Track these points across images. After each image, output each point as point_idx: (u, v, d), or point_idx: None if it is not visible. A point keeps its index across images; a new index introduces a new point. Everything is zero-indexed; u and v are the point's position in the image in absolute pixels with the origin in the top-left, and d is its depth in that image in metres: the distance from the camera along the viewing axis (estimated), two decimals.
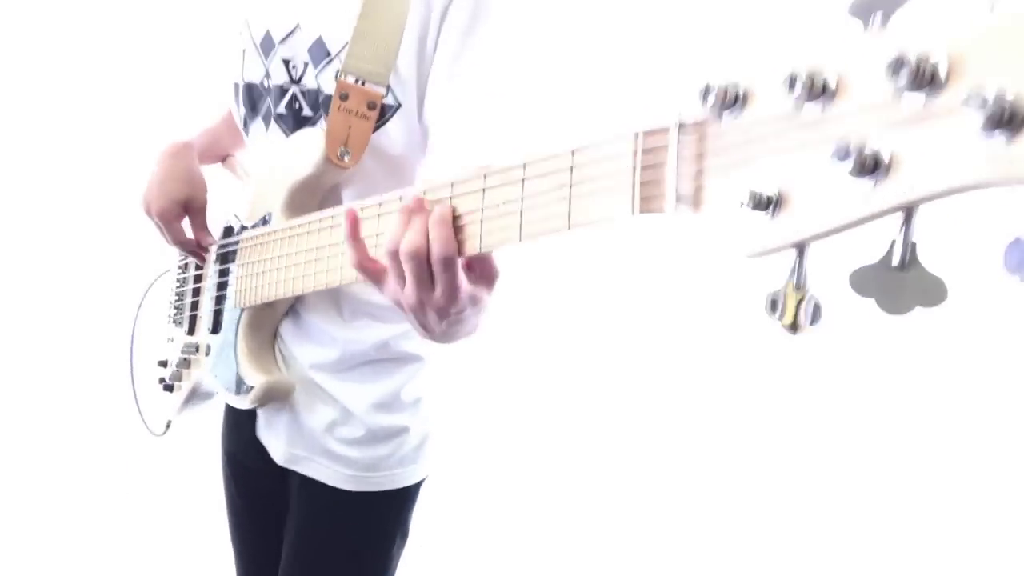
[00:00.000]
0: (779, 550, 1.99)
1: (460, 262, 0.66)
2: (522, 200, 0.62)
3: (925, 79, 0.39)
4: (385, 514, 1.02)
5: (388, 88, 0.91)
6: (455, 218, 0.66)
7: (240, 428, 1.09)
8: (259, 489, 1.12)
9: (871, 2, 0.43)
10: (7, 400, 2.29)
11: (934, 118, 0.39)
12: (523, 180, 0.62)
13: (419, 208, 0.66)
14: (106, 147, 2.16)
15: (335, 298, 0.98)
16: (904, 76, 0.39)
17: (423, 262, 0.65)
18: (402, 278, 0.67)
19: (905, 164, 0.41)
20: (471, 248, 0.66)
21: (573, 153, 0.58)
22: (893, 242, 0.42)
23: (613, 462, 2.13)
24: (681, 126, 0.51)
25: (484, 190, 0.65)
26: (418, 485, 1.04)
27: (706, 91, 0.48)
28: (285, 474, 1.04)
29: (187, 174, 1.07)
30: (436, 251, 0.65)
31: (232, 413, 1.14)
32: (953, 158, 0.39)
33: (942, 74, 0.39)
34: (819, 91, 0.44)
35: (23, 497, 2.22)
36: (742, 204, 0.46)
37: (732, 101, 0.48)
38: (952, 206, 0.42)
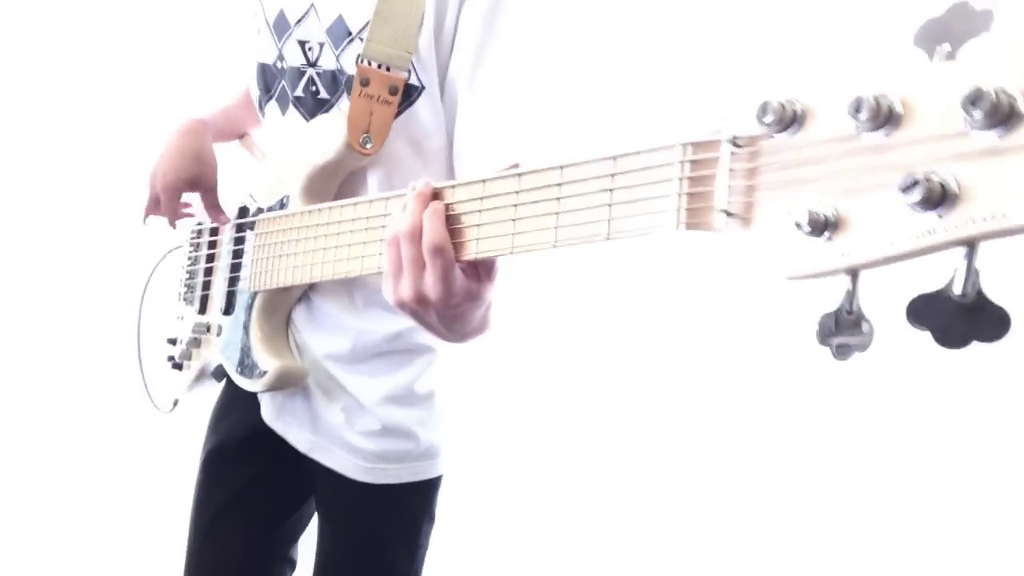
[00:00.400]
0: (792, 553, 2.01)
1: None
2: (558, 202, 0.61)
3: (1002, 114, 0.38)
4: (410, 504, 1.02)
5: (410, 71, 0.90)
6: (480, 213, 0.66)
7: (242, 417, 1.07)
8: (252, 479, 1.09)
9: (938, 33, 0.42)
10: (11, 379, 2.27)
11: (1008, 153, 0.39)
12: (559, 184, 0.61)
13: (425, 197, 0.68)
14: (115, 128, 2.12)
15: (348, 287, 0.97)
16: (980, 109, 0.38)
17: (418, 245, 0.67)
18: (399, 267, 0.68)
19: (973, 198, 0.40)
20: (500, 248, 0.65)
21: (615, 160, 0.57)
22: (955, 271, 0.42)
23: (628, 457, 2.13)
24: (733, 140, 0.49)
25: (518, 191, 0.64)
26: (440, 477, 1.03)
27: (764, 109, 0.47)
28: (296, 464, 1.03)
29: (198, 152, 1.05)
30: (426, 238, 0.66)
31: (230, 402, 1.12)
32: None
33: (1021, 109, 0.38)
34: (884, 118, 0.43)
35: (26, 479, 2.21)
36: (799, 225, 0.45)
37: (790, 120, 0.47)
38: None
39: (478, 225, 0.66)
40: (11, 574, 2.09)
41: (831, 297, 0.47)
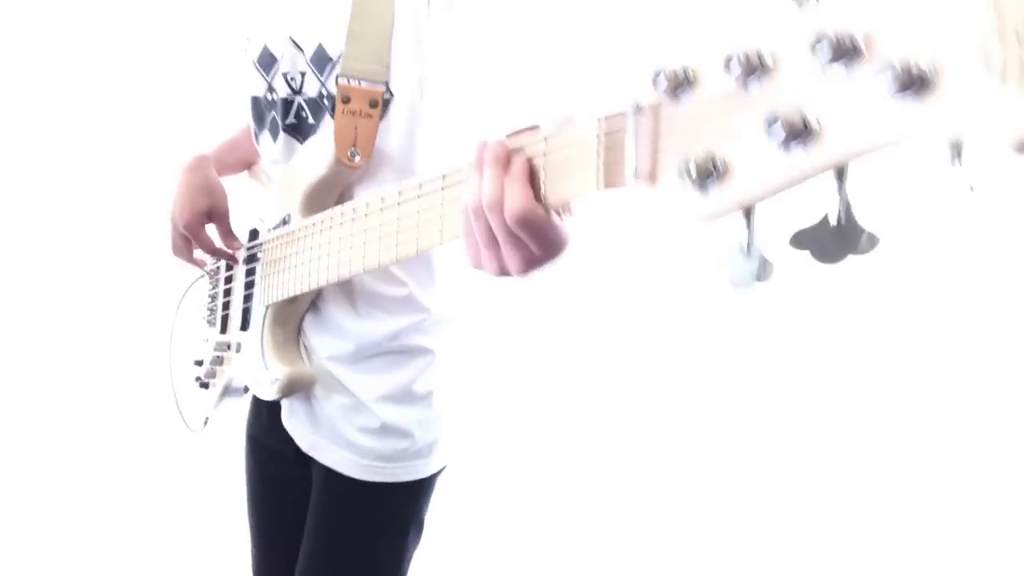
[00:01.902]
0: (791, 553, 1.98)
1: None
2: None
3: (846, 51, 0.43)
4: (400, 506, 1.06)
5: (387, 83, 0.96)
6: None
7: (265, 416, 1.15)
8: (279, 474, 1.17)
9: None
10: (45, 402, 2.39)
11: (855, 84, 0.43)
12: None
13: (501, 160, 0.62)
14: (145, 154, 2.24)
15: (350, 293, 1.03)
16: (826, 50, 0.43)
17: (498, 217, 0.62)
18: (478, 239, 0.64)
19: (832, 128, 0.44)
20: None
21: (546, 139, 0.62)
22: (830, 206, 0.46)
23: (625, 458, 2.14)
24: (637, 109, 0.55)
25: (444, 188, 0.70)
26: (433, 478, 1.07)
27: (656, 74, 0.52)
28: (307, 462, 1.09)
29: (206, 184, 1.13)
30: (510, 208, 0.61)
31: (258, 402, 1.20)
32: (872, 119, 0.43)
33: (862, 48, 0.43)
34: (756, 69, 0.47)
35: (58, 496, 2.31)
36: (690, 175, 0.50)
37: (682, 83, 0.52)
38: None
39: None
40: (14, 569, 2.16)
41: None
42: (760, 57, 0.47)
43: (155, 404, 1.40)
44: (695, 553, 2.05)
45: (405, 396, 1.03)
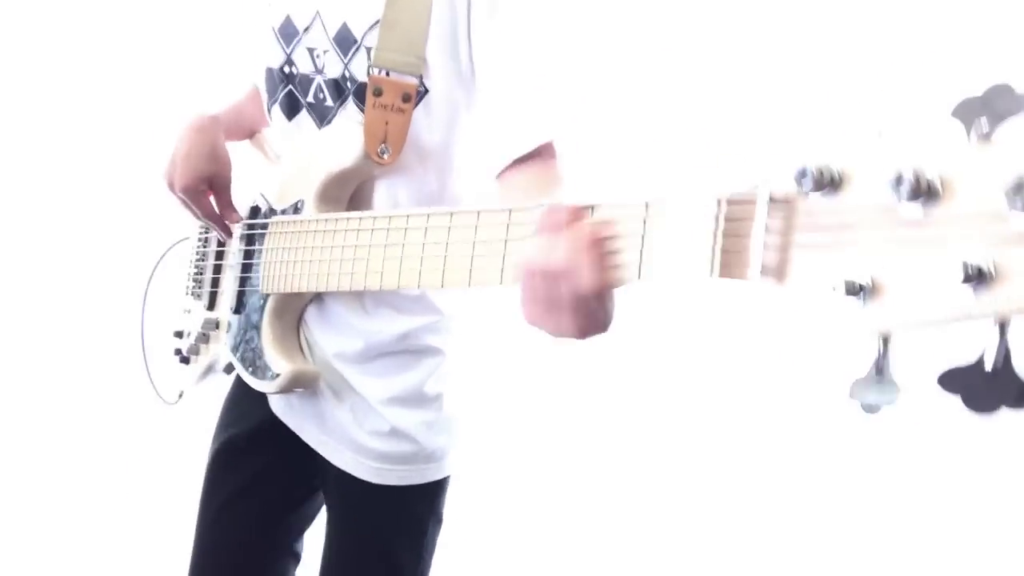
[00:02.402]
0: (793, 553, 2.04)
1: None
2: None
3: None
4: (416, 505, 1.04)
5: (421, 76, 0.90)
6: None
7: (252, 410, 1.08)
8: (260, 472, 1.10)
9: (977, 109, 0.44)
10: (15, 372, 2.26)
11: None
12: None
13: (583, 231, 0.59)
14: (117, 121, 2.09)
15: (359, 290, 0.98)
16: (1021, 201, 0.40)
17: (567, 285, 0.59)
18: (538, 300, 0.61)
19: (1009, 279, 0.41)
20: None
21: (647, 206, 0.58)
22: (986, 347, 0.44)
23: (638, 459, 2.15)
24: (771, 200, 0.51)
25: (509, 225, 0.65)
26: (446, 477, 1.05)
27: (802, 174, 0.48)
28: (307, 459, 1.04)
29: (212, 149, 1.04)
30: (583, 282, 0.58)
31: (240, 395, 1.13)
32: None
33: None
34: (923, 193, 0.44)
35: (28, 473, 2.20)
36: (834, 288, 0.47)
37: (827, 183, 0.48)
38: None
39: None
40: (13, 568, 2.09)
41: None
42: (930, 180, 0.44)
43: (125, 373, 1.31)
44: (711, 554, 2.08)
45: (415, 398, 1.00)
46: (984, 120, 0.44)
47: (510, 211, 0.67)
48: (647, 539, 2.11)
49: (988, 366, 0.44)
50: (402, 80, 0.89)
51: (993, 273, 0.42)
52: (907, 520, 2.00)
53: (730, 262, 0.53)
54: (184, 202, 1.05)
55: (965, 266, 0.42)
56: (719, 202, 0.53)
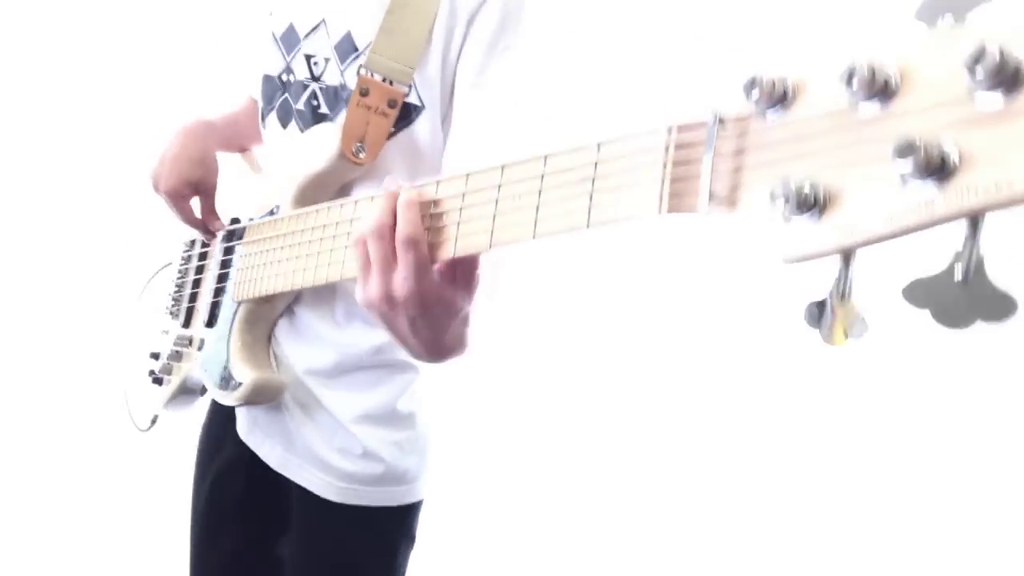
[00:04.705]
0: (792, 552, 1.93)
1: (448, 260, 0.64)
2: (539, 194, 0.58)
3: (1007, 74, 0.35)
4: (387, 526, 0.98)
5: (411, 87, 0.89)
6: (462, 211, 0.63)
7: (225, 431, 1.05)
8: (237, 495, 1.06)
9: (942, 6, 0.40)
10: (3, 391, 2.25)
11: (1015, 117, 0.35)
12: (542, 176, 0.58)
13: (393, 194, 0.65)
14: (109, 138, 2.14)
15: (330, 300, 0.95)
16: (983, 72, 0.35)
17: (387, 242, 0.64)
18: (367, 266, 0.65)
19: (976, 166, 0.36)
20: (479, 245, 0.62)
21: (599, 147, 0.54)
22: (957, 254, 0.38)
23: (617, 471, 2.07)
24: (720, 121, 0.47)
25: (500, 185, 0.61)
26: (419, 502, 0.99)
27: (751, 84, 0.44)
28: (276, 483, 0.99)
29: (201, 155, 1.04)
30: (399, 230, 0.63)
31: (216, 415, 1.10)
32: None
33: None
34: (880, 87, 0.40)
35: (17, 489, 2.17)
36: (785, 203, 0.42)
37: (780, 97, 0.44)
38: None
39: (458, 223, 0.63)
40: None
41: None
42: (888, 74, 0.40)
43: (104, 397, 1.28)
44: (693, 566, 1.98)
45: (386, 416, 0.95)
46: (948, 16, 0.40)
47: (467, 176, 0.64)
48: (631, 559, 1.99)
49: (958, 275, 0.38)
50: (392, 86, 0.88)
51: (957, 163, 0.37)
52: (902, 503, 1.88)
53: (680, 193, 0.49)
54: (167, 204, 1.04)
55: (924, 158, 0.37)
56: (669, 130, 0.49)
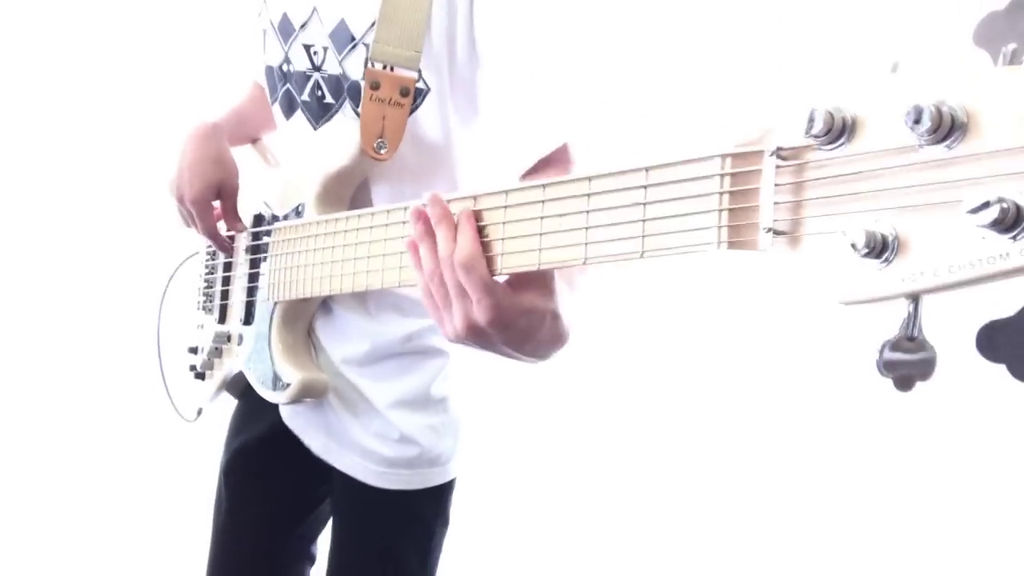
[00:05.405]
0: (797, 554, 1.99)
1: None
2: (587, 215, 0.57)
3: None
4: (422, 509, 1.01)
5: (419, 72, 0.86)
6: (503, 227, 0.62)
7: (262, 417, 1.06)
8: (265, 480, 1.09)
9: (1003, 30, 0.38)
10: (31, 388, 2.28)
11: None
12: (588, 196, 0.57)
13: (447, 218, 0.64)
14: (129, 135, 2.10)
15: (361, 294, 0.95)
16: None
17: (452, 272, 0.63)
18: (445, 305, 0.64)
19: None
20: (527, 262, 0.62)
21: (647, 171, 0.53)
22: None
23: (642, 460, 2.12)
24: (778, 151, 0.46)
25: (543, 202, 0.61)
26: (453, 480, 1.02)
27: (812, 118, 0.43)
28: (308, 463, 1.02)
29: (218, 156, 1.02)
30: (458, 256, 0.62)
31: (249, 406, 1.11)
32: None
33: None
34: (947, 128, 0.39)
35: (44, 485, 2.22)
36: (854, 246, 0.42)
37: (839, 131, 0.43)
38: None
39: (502, 239, 0.63)
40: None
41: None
42: (955, 114, 0.39)
43: (143, 390, 1.30)
44: (714, 556, 2.03)
45: (421, 401, 0.97)
46: (1012, 44, 0.39)
47: (507, 192, 0.63)
48: (655, 539, 2.07)
49: None
50: (400, 74, 0.86)
51: None
52: (917, 510, 1.93)
53: (739, 229, 0.48)
54: (191, 215, 1.02)
55: (1000, 209, 0.37)
56: (723, 159, 0.48)
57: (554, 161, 0.80)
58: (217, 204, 1.03)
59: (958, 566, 1.85)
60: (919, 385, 0.42)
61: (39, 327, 2.29)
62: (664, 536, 2.06)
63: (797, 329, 1.81)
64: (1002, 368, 0.38)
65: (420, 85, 0.88)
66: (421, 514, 1.02)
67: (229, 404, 1.17)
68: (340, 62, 0.91)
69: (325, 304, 0.99)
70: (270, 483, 1.10)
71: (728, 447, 2.05)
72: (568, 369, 2.06)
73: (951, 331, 0.43)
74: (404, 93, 0.86)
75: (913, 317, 0.42)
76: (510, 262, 0.63)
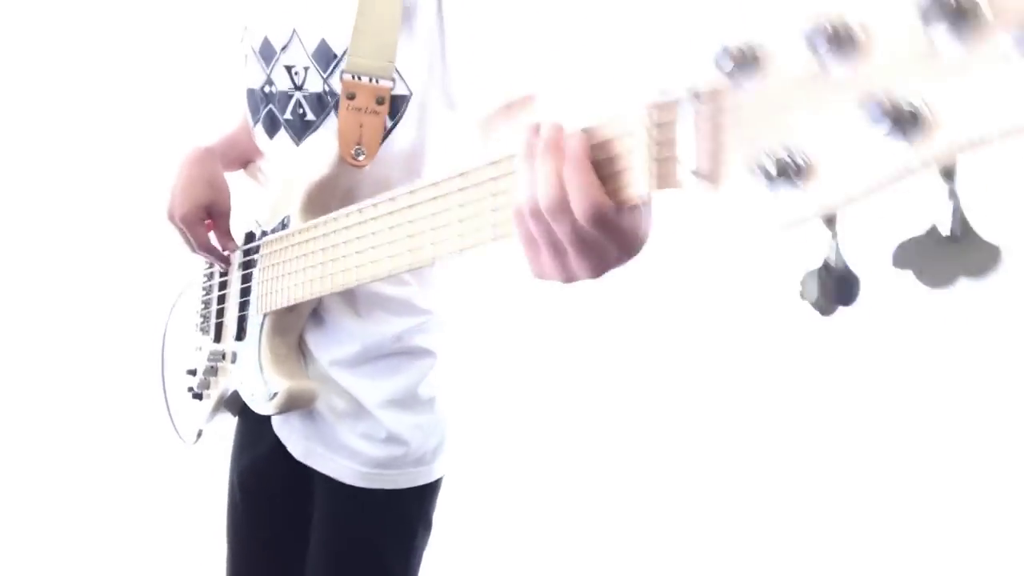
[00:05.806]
0: (793, 552, 1.93)
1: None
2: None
3: (966, 24, 0.35)
4: (406, 509, 1.01)
5: (395, 80, 0.90)
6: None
7: (262, 435, 1.07)
8: (276, 500, 1.10)
9: None
10: (37, 411, 2.32)
11: (977, 65, 0.35)
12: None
13: (558, 146, 0.53)
14: (136, 158, 2.18)
15: (350, 294, 0.97)
16: (941, 20, 0.35)
17: (566, 218, 0.53)
18: (536, 243, 0.56)
19: (945, 116, 0.36)
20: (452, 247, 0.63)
21: (584, 132, 0.54)
22: (938, 213, 0.38)
23: (630, 458, 2.09)
24: (694, 95, 0.47)
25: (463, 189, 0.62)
26: (437, 482, 1.02)
27: (720, 54, 0.44)
28: (306, 477, 1.02)
29: (210, 178, 1.06)
30: (579, 207, 0.52)
31: (250, 423, 1.12)
32: (1002, 104, 0.35)
33: (987, 15, 0.35)
34: (845, 46, 0.39)
35: (51, 508, 2.24)
36: (766, 176, 0.42)
37: (748, 64, 0.44)
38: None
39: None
40: None
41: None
42: (849, 30, 0.39)
43: (148, 413, 1.32)
44: (699, 555, 1.99)
45: (409, 400, 0.99)
46: None
47: (461, 172, 0.65)
48: (642, 539, 2.01)
49: (944, 231, 0.38)
50: (375, 84, 0.89)
51: (926, 114, 0.37)
52: (904, 495, 1.86)
53: (665, 172, 0.49)
54: (183, 232, 1.06)
55: (892, 112, 0.37)
56: (647, 109, 0.49)
57: (518, 112, 0.83)
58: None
59: (958, 566, 1.78)
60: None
61: (46, 349, 2.33)
62: (652, 537, 2.02)
63: (793, 328, 1.79)
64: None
65: (402, 92, 0.91)
66: (404, 514, 1.02)
67: (228, 423, 1.18)
68: (326, 79, 0.95)
69: (315, 313, 1.01)
70: (277, 498, 1.10)
71: (719, 445, 2.02)
72: (557, 368, 2.05)
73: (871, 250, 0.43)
74: (380, 102, 0.89)
75: (834, 241, 0.42)
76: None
